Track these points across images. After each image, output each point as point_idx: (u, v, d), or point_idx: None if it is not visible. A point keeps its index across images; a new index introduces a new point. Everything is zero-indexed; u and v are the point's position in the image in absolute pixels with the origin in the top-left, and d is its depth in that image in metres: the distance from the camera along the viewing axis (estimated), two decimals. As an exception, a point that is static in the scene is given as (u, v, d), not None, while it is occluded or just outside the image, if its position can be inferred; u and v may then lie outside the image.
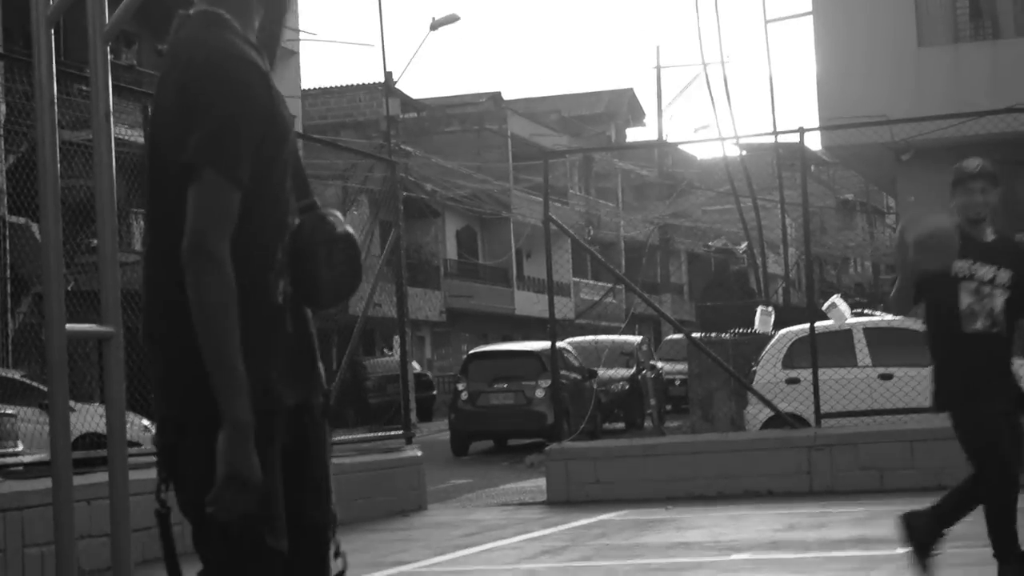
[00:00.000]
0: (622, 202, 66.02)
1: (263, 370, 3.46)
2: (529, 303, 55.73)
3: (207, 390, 3.40)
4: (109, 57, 4.47)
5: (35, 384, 16.98)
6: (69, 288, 7.82)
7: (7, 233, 24.67)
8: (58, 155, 4.42)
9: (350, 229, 3.68)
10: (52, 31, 4.64)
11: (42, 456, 11.04)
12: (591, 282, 60.95)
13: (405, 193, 25.78)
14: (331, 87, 50.90)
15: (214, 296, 3.37)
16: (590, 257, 32.24)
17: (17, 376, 17.80)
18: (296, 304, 3.62)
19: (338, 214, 3.73)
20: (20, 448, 14.10)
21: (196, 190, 3.40)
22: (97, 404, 13.29)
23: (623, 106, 70.75)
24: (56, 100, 4.39)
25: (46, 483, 8.72)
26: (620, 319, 58.76)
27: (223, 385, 3.37)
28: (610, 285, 58.53)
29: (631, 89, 71.51)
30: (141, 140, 16.38)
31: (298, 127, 40.02)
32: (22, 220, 24.05)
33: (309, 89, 48.19)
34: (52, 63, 4.35)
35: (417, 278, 46.60)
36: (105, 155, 4.40)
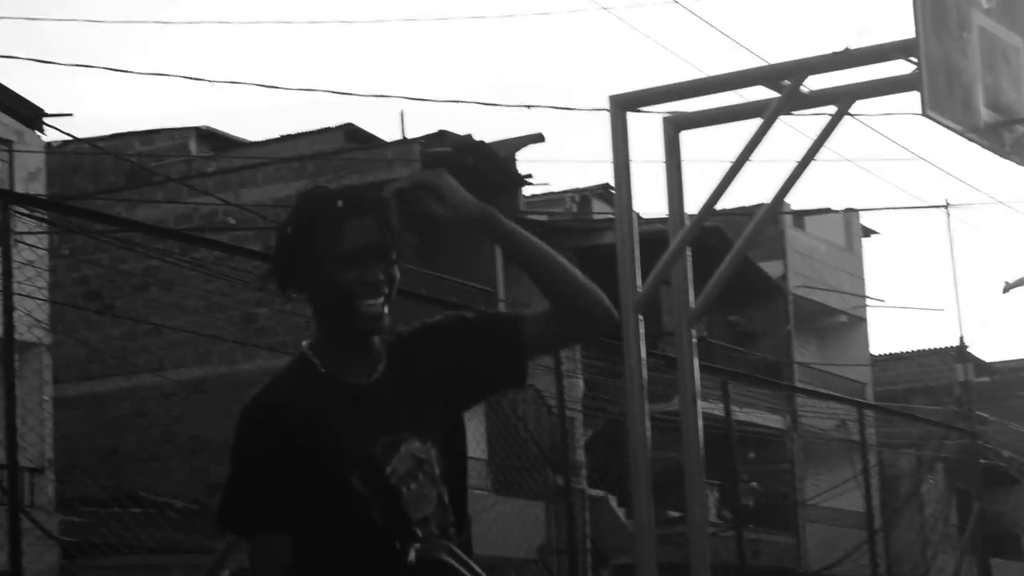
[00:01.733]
0: None
1: None
2: (1121, 574, 52.50)
3: None
4: (694, 339, 4.67)
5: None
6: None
7: (587, 506, 25.39)
8: (649, 433, 4.59)
9: (451, 560, 3.49)
10: (640, 317, 4.82)
11: None
12: None
13: (982, 461, 25.06)
14: (901, 352, 50.34)
15: None
16: None
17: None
18: None
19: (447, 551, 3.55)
20: None
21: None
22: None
23: None
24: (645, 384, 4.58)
25: None
26: None
27: None
28: None
29: None
30: (716, 412, 16.67)
31: (868, 395, 39.68)
32: (600, 493, 24.72)
33: (879, 355, 47.86)
34: (642, 349, 4.54)
35: (998, 548, 44.82)
36: (693, 436, 4.55)
